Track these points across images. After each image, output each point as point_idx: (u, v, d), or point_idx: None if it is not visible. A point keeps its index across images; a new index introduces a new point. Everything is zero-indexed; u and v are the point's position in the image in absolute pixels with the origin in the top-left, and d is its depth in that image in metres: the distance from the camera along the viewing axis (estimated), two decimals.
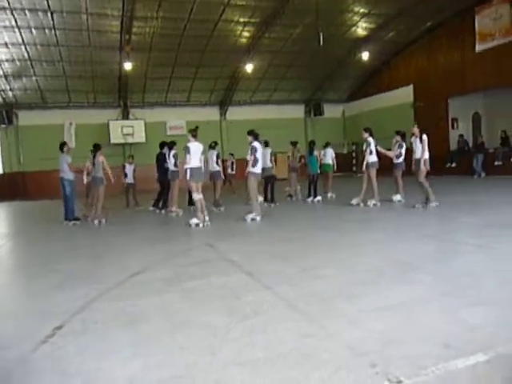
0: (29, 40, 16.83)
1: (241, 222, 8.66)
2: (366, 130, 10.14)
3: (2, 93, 19.81)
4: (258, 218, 8.74)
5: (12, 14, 15.04)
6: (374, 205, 9.80)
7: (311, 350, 2.68)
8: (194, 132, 8.67)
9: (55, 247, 7.35)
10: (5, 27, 15.78)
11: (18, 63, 18.23)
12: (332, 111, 25.86)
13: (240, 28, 18.57)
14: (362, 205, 9.90)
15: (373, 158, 9.95)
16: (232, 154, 16.80)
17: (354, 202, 10.14)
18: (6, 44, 16.82)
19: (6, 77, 18.90)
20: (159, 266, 5.30)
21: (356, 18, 18.76)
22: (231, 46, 19.63)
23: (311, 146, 12.10)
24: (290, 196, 12.85)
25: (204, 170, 9.03)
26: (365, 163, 9.99)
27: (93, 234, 8.96)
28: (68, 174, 9.79)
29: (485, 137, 17.68)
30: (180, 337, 3.03)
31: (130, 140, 21.62)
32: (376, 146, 10.03)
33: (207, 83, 22.16)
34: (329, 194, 12.41)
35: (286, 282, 4.22)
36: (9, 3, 14.45)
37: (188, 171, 8.39)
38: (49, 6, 14.91)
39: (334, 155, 12.68)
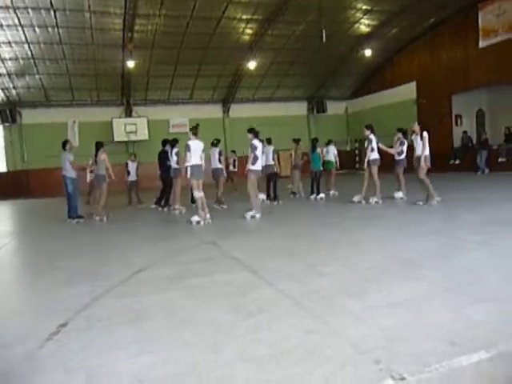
0: (32, 38, 16.87)
1: (243, 219, 8.67)
2: (368, 127, 10.12)
3: (6, 91, 19.87)
4: (258, 216, 8.76)
5: (15, 12, 15.07)
6: (376, 202, 9.79)
7: (315, 347, 2.69)
8: (194, 130, 8.69)
9: (59, 245, 7.39)
10: (8, 26, 15.82)
11: (21, 61, 18.29)
12: (335, 108, 25.82)
13: (243, 25, 18.54)
14: (363, 202, 9.90)
15: (374, 156, 9.93)
16: (234, 152, 16.81)
17: (356, 199, 10.13)
18: (9, 42, 16.87)
19: (9, 75, 18.96)
20: (163, 263, 5.32)
21: (359, 14, 18.71)
22: (234, 44, 19.60)
23: (314, 143, 12.09)
24: (293, 193, 12.84)
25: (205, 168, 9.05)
26: (366, 160, 9.98)
27: (96, 231, 9.00)
28: (70, 172, 9.82)
29: (488, 133, 17.63)
30: (185, 334, 3.04)
31: (133, 138, 21.69)
32: (377, 143, 10.02)
33: (210, 81, 22.15)
34: (331, 192, 12.39)
35: (289, 279, 4.23)
36: (12, 2, 14.48)
37: (188, 169, 8.42)
38: (51, 4, 14.94)
39: (336, 152, 12.67)
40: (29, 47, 17.37)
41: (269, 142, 11.73)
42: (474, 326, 2.85)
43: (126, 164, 13.66)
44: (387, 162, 10.82)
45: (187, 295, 3.94)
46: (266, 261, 5.10)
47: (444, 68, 19.34)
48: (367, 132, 10.04)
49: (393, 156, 10.60)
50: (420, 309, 3.24)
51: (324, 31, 15.50)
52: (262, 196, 11.85)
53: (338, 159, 12.72)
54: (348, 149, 25.04)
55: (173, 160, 10.65)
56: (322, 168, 12.05)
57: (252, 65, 20.33)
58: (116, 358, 2.74)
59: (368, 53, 20.17)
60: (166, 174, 11.06)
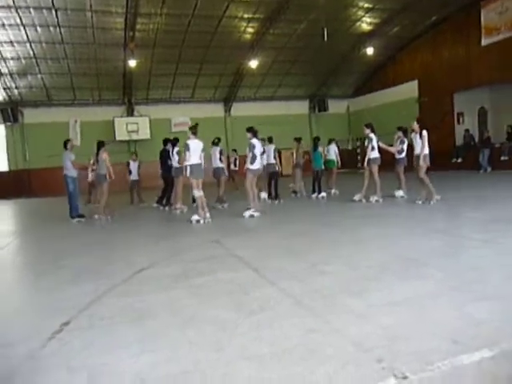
0: (34, 38, 16.89)
1: (244, 218, 8.67)
2: (368, 125, 10.10)
3: (8, 91, 19.90)
4: (256, 214, 8.76)
5: (17, 12, 15.10)
6: (377, 201, 9.77)
7: (317, 346, 2.69)
8: (193, 129, 8.69)
9: (62, 244, 7.41)
10: (10, 25, 15.85)
11: (23, 61, 18.31)
12: (337, 107, 25.78)
13: (244, 24, 18.53)
14: (364, 201, 9.89)
15: (374, 154, 9.91)
16: (235, 150, 16.79)
17: (357, 198, 10.12)
18: (11, 42, 16.90)
19: (11, 75, 18.99)
20: (165, 262, 5.33)
21: (360, 12, 18.67)
22: (235, 42, 19.59)
23: (316, 141, 12.07)
24: (295, 192, 12.82)
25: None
26: (366, 159, 9.96)
27: (98, 230, 9.02)
28: (71, 172, 9.83)
29: (491, 131, 17.57)
30: (188, 332, 3.05)
31: (134, 137, 21.70)
32: (378, 142, 10.00)
33: (211, 79, 22.14)
34: (332, 191, 12.38)
35: (291, 277, 4.23)
36: (14, 1, 14.50)
37: (188, 168, 8.43)
38: (53, 3, 14.96)
39: (337, 151, 12.66)
40: (30, 47, 17.39)
41: (270, 140, 11.71)
42: (477, 325, 2.85)
43: (128, 163, 13.67)
44: (387, 161, 10.80)
45: (190, 294, 3.95)
46: (268, 259, 5.10)
47: (446, 66, 19.29)
48: (367, 131, 10.02)
49: (393, 155, 10.58)
50: (422, 307, 3.23)
51: (326, 30, 15.49)
52: (264, 195, 11.86)
53: (339, 158, 12.72)
54: (350, 148, 25.01)
55: (174, 159, 10.66)
56: (323, 167, 12.04)
57: (253, 63, 20.31)
58: (118, 357, 2.74)
59: (370, 51, 20.12)
60: (168, 173, 11.07)
